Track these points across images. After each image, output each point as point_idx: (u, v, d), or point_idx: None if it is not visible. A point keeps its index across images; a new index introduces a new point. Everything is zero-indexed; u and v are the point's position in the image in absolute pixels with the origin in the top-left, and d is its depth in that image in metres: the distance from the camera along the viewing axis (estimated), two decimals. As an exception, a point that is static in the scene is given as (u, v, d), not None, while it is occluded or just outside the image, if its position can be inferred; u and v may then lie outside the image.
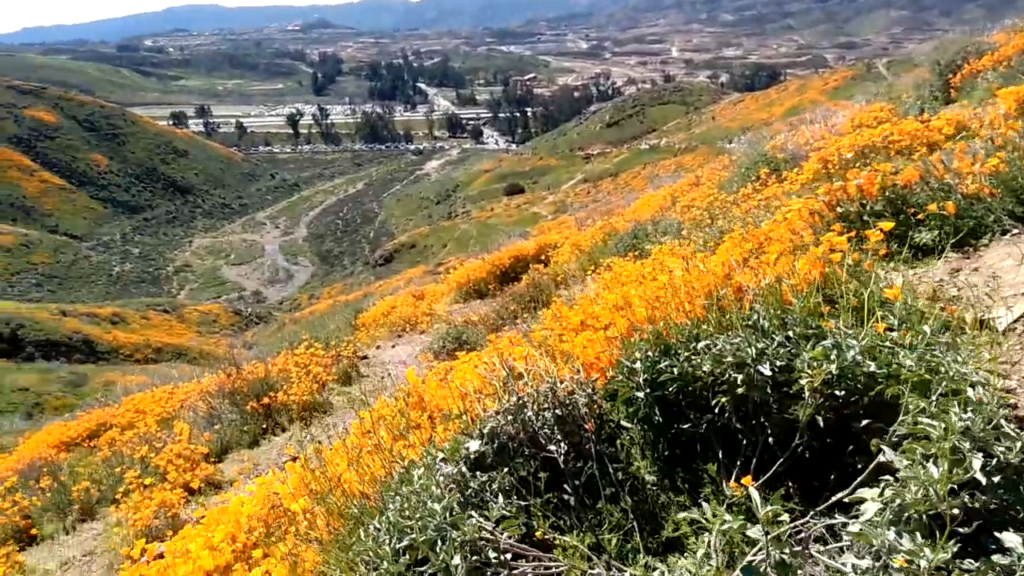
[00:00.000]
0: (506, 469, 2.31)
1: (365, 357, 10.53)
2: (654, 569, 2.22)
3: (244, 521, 3.24)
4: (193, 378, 12.68)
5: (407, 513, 1.83)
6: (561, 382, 2.65)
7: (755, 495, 1.73)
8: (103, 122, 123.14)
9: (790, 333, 2.40)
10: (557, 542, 2.14)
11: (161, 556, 4.52)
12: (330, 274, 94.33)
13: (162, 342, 55.60)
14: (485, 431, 2.46)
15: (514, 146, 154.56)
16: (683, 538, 2.47)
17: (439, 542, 1.65)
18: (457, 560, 1.60)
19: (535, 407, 2.51)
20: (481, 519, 1.75)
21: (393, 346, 11.04)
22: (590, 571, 2.01)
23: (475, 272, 13.25)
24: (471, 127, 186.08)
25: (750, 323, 2.47)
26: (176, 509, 6.13)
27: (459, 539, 1.63)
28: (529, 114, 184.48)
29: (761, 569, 1.67)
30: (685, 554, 2.35)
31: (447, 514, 1.72)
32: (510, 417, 2.46)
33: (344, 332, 12.88)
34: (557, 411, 2.54)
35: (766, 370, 2.22)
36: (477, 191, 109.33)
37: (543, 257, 11.91)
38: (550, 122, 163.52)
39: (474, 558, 1.64)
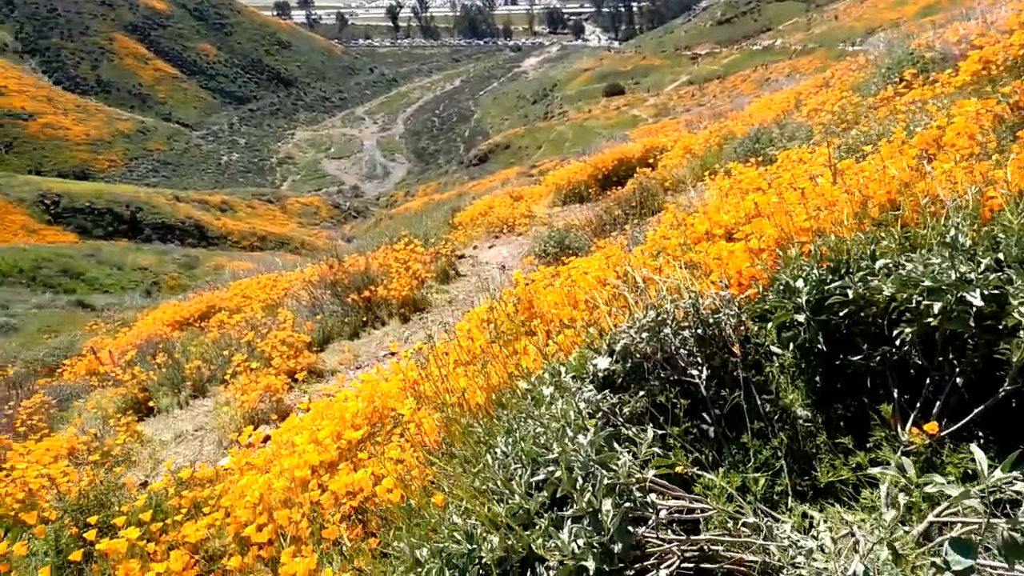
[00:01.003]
0: (642, 392, 2.04)
1: (462, 256, 10.43)
2: (810, 519, 1.94)
3: (349, 418, 3.16)
4: (296, 267, 13.02)
5: (542, 440, 1.60)
6: (703, 298, 2.32)
7: (980, 456, 1.39)
8: (211, 11, 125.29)
9: (1001, 256, 1.97)
10: (700, 479, 1.88)
11: (267, 440, 4.60)
12: (425, 172, 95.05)
13: (266, 231, 58.14)
14: (616, 348, 2.18)
15: (616, 43, 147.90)
16: (839, 484, 2.17)
17: (580, 479, 1.41)
18: (608, 506, 1.36)
19: (674, 324, 2.20)
20: (629, 456, 1.50)
21: (490, 247, 10.87)
22: (742, 517, 1.74)
23: (576, 174, 12.76)
24: (572, 23, 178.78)
25: (947, 241, 2.05)
26: (280, 394, 6.28)
27: (609, 481, 1.39)
28: (635, 9, 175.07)
29: (976, 544, 1.35)
30: (844, 503, 2.05)
31: (593, 450, 1.47)
32: (646, 334, 2.16)
33: (441, 230, 12.80)
34: (699, 330, 2.22)
35: (975, 299, 1.82)
36: (575, 91, 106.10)
37: (650, 161, 11.28)
38: (656, 18, 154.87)
39: (627, 505, 1.40)
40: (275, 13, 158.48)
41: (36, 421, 7.66)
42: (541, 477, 1.48)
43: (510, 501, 1.47)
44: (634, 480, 1.46)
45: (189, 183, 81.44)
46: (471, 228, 12.45)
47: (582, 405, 1.75)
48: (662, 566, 1.54)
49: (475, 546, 1.44)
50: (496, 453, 1.69)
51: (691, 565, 1.65)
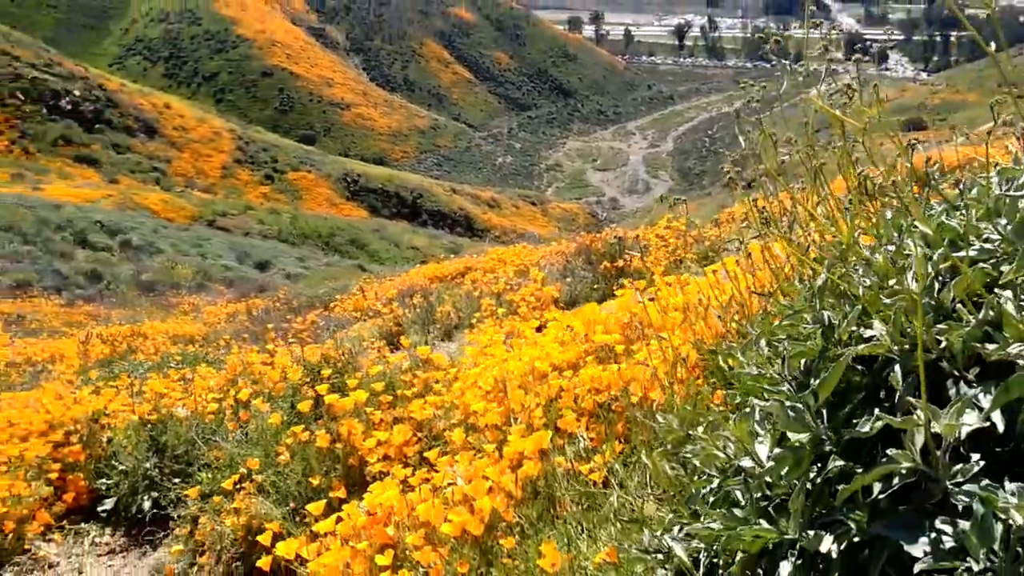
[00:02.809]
0: None
1: (727, 249, 9.64)
2: None
3: (600, 321, 2.75)
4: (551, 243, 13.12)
5: (952, 224, 0.97)
6: None
7: None
8: (510, 23, 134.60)
9: None
10: None
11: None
12: (687, 192, 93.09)
13: (525, 230, 60.96)
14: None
15: (924, 75, 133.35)
16: None
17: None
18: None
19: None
20: None
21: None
22: None
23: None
24: (875, 50, 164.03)
25: None
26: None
27: None
28: (951, 39, 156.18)
29: None
30: None
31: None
32: None
33: (705, 224, 12.08)
34: None
35: None
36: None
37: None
38: (977, 50, 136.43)
39: None
40: (566, 27, 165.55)
41: (304, 336, 8.38)
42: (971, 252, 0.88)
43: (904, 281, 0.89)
44: None
45: (465, 179, 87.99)
46: (740, 223, 11.56)
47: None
48: None
49: (827, 344, 0.88)
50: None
51: None
